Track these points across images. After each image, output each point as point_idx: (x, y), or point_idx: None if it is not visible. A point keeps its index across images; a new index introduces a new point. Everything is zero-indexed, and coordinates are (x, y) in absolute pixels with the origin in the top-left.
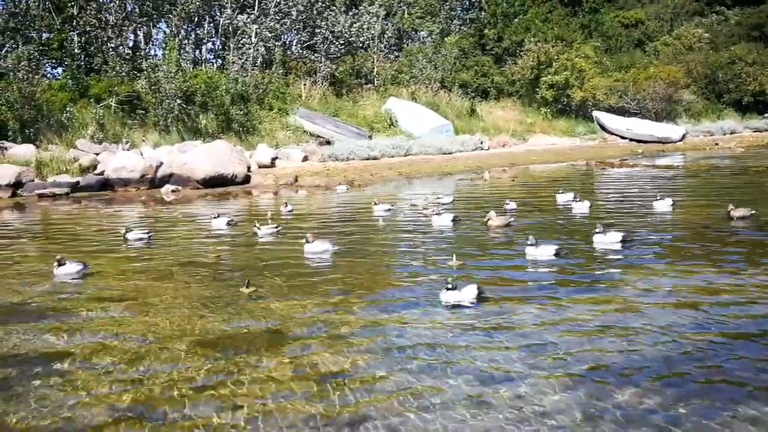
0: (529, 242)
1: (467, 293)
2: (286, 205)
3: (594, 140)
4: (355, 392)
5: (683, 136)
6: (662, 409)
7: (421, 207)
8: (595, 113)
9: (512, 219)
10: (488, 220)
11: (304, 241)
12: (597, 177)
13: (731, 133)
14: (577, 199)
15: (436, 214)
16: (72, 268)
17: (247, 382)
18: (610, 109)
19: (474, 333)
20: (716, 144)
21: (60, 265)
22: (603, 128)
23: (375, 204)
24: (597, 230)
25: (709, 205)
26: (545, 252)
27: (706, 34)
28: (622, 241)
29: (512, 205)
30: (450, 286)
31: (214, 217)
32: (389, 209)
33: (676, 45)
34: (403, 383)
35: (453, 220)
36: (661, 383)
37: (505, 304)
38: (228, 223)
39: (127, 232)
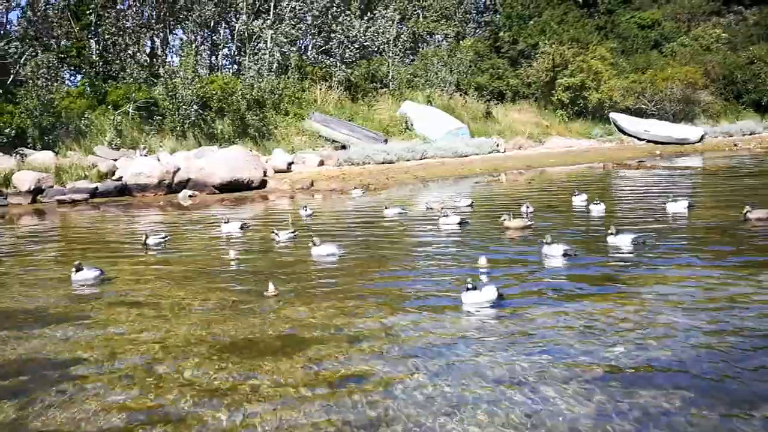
0: (545, 241)
1: (487, 294)
2: (306, 209)
3: (611, 142)
4: (371, 397)
5: (701, 138)
6: (679, 413)
7: (436, 210)
8: (612, 115)
9: (530, 222)
10: (504, 221)
11: (310, 244)
12: (614, 179)
13: (750, 134)
14: (596, 202)
15: (444, 215)
16: (89, 273)
17: (263, 387)
18: (627, 111)
19: (491, 335)
20: (735, 145)
21: (78, 270)
22: (620, 130)
23: (386, 208)
24: (610, 231)
25: (727, 206)
26: (555, 251)
27: (724, 35)
28: (635, 243)
29: (530, 208)
30: (470, 286)
31: (224, 222)
32: (400, 212)
33: (694, 46)
34: (420, 387)
35: (460, 223)
36: (678, 386)
37: (522, 305)
38: (241, 227)
39: (146, 238)
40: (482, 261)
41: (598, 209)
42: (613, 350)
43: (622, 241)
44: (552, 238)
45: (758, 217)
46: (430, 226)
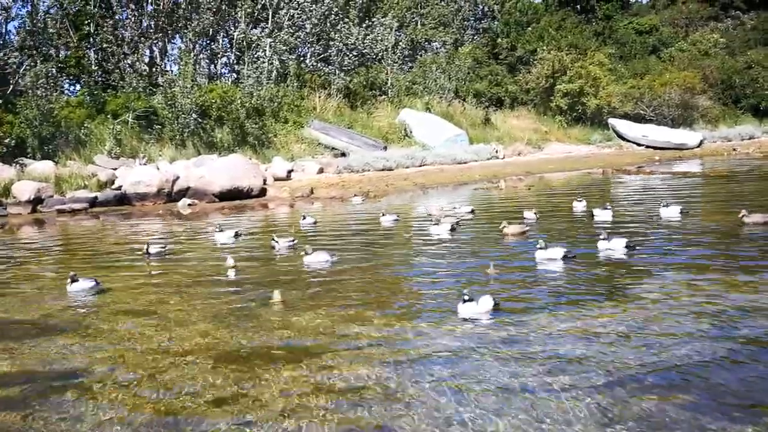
0: (539, 246)
1: (484, 305)
2: (304, 218)
3: (610, 148)
4: (374, 406)
5: (700, 143)
6: (682, 419)
7: (436, 217)
8: (611, 120)
9: (527, 227)
10: (503, 228)
11: (302, 253)
12: (613, 185)
13: (749, 139)
14: (607, 207)
15: (435, 223)
16: (85, 284)
17: (265, 396)
18: (626, 117)
19: (492, 342)
20: (734, 150)
21: (73, 281)
22: (619, 135)
23: (382, 215)
24: (601, 237)
25: (725, 211)
26: (554, 254)
27: (722, 39)
28: (627, 247)
29: (531, 215)
30: (467, 298)
31: (218, 231)
32: (395, 220)
33: (692, 51)
34: (422, 396)
35: (451, 229)
36: (679, 392)
37: (521, 313)
38: (235, 235)
39: (148, 247)
40: (491, 268)
41: (605, 215)
42: (613, 357)
43: (615, 246)
44: (545, 242)
45: (754, 221)
46: (428, 234)
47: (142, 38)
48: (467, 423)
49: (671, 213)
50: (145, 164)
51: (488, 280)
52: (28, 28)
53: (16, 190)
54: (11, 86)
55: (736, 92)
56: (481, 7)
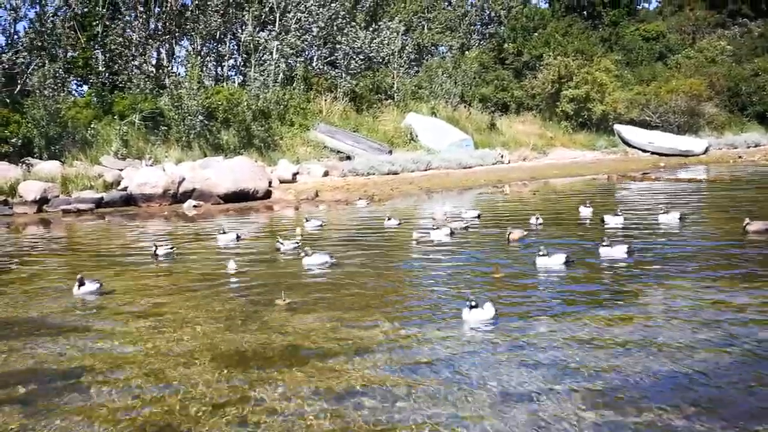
0: (540, 253)
1: (488, 311)
2: (308, 220)
3: (615, 154)
4: (377, 408)
5: (706, 149)
6: (683, 427)
7: (440, 221)
8: (617, 127)
9: (526, 232)
10: (510, 234)
11: (302, 254)
12: (618, 190)
13: (755, 146)
14: (618, 213)
15: (435, 228)
16: (92, 287)
17: (266, 398)
18: (632, 123)
19: (494, 347)
20: (740, 157)
21: (80, 284)
22: (624, 142)
23: (388, 219)
24: (603, 243)
25: (728, 218)
26: (555, 261)
27: (729, 47)
28: (628, 253)
29: (539, 220)
30: (473, 304)
31: (221, 233)
32: (399, 223)
33: (698, 58)
34: (425, 399)
35: (450, 234)
36: (681, 399)
37: (522, 319)
38: (237, 238)
39: (156, 248)
40: (497, 270)
41: (615, 221)
42: (615, 364)
43: (616, 253)
44: (547, 249)
45: (757, 229)
46: (431, 238)
47: (150, 40)
48: (468, 427)
49: (670, 219)
50: (151, 165)
51: (493, 282)
52: (36, 28)
53: (23, 189)
54: (19, 86)
55: (743, 100)
56: (487, 12)
